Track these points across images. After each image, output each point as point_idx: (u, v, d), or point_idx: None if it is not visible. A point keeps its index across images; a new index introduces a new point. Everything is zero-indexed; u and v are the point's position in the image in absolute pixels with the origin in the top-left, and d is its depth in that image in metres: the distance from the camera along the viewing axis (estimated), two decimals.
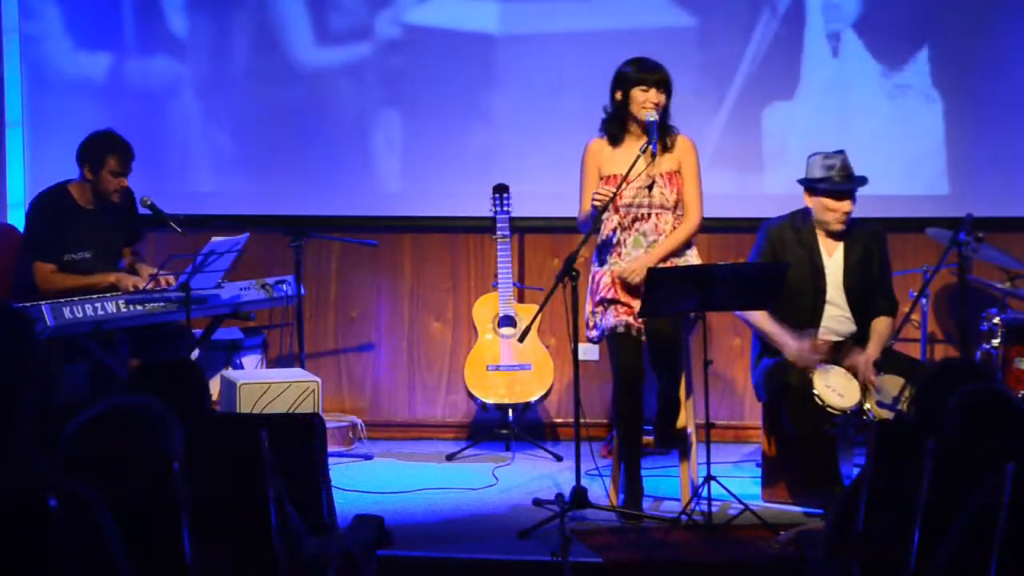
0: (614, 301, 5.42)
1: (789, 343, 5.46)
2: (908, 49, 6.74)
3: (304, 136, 6.98)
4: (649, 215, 5.44)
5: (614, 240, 5.46)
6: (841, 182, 5.52)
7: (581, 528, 5.18)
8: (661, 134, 5.44)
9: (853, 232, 5.62)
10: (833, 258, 5.61)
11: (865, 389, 5.38)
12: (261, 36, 6.98)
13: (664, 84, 5.42)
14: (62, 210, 5.91)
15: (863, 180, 5.56)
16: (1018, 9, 6.71)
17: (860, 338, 5.57)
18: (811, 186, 5.57)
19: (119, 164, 5.88)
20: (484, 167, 6.86)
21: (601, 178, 5.44)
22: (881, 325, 5.59)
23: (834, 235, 5.59)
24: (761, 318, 5.52)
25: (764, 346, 5.65)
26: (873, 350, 5.50)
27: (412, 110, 6.95)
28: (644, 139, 5.38)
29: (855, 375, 5.42)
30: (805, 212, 5.62)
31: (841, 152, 5.57)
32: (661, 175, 5.44)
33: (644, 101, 5.40)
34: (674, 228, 5.45)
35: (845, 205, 5.54)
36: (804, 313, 5.55)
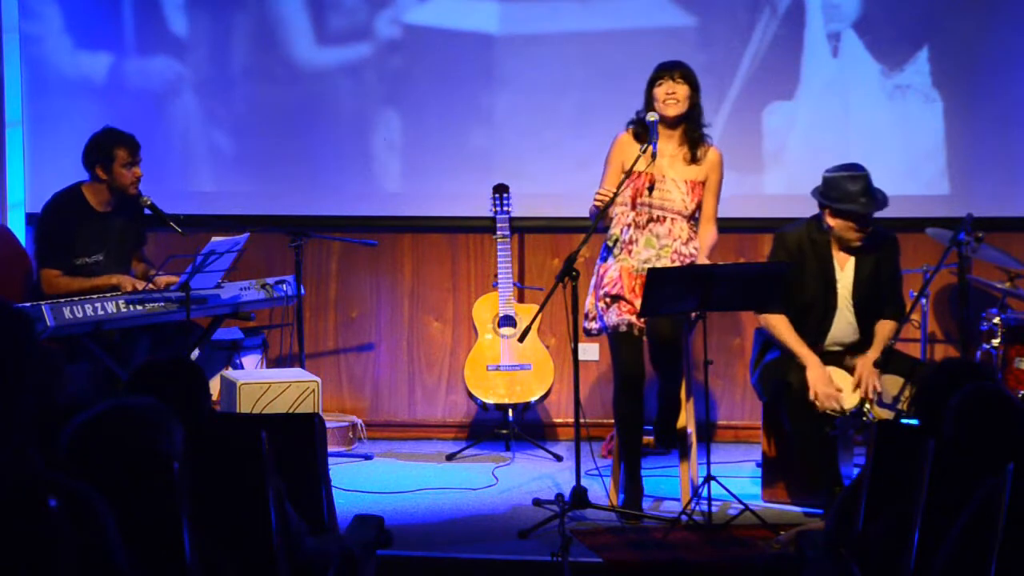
0: (618, 298, 5.42)
1: (815, 371, 5.39)
2: (908, 49, 6.73)
3: (304, 136, 6.97)
4: (665, 218, 5.43)
5: (626, 237, 5.45)
6: (868, 207, 5.43)
7: (581, 528, 5.18)
8: (692, 142, 5.45)
9: (865, 242, 5.59)
10: (845, 271, 5.57)
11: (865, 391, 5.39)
12: (261, 36, 6.97)
13: (683, 76, 5.41)
14: (75, 213, 5.90)
15: (886, 202, 5.48)
16: (1018, 9, 6.71)
17: (863, 345, 5.55)
18: (836, 209, 5.45)
19: (128, 153, 5.88)
20: (484, 167, 6.86)
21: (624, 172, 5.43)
22: (885, 328, 5.56)
23: (850, 249, 5.57)
24: (785, 332, 5.48)
25: (764, 346, 5.65)
26: (873, 353, 5.49)
27: (412, 110, 6.95)
28: (671, 137, 5.41)
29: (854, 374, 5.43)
30: (820, 223, 5.55)
31: (862, 170, 5.47)
32: (686, 182, 5.43)
33: (662, 96, 5.40)
34: (690, 237, 5.45)
35: (869, 229, 5.50)
36: (813, 326, 5.53)
